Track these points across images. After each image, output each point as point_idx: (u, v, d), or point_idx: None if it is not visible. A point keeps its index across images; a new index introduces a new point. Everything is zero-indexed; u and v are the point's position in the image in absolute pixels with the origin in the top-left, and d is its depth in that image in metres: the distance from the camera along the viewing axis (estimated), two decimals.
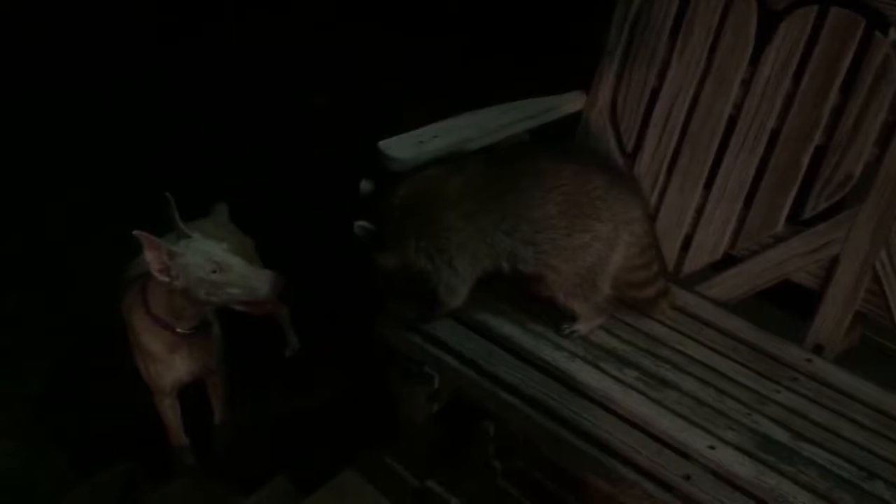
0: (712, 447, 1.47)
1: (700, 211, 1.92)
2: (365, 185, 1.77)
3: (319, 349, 2.62)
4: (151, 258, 1.78)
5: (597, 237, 1.66)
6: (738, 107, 1.87)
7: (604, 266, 1.68)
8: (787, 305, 1.88)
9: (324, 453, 2.19)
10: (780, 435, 1.51)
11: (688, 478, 1.42)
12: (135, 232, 1.75)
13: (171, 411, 2.13)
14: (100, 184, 3.43)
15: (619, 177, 1.80)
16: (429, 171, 1.74)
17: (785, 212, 1.82)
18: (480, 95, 2.01)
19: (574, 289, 1.69)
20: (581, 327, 1.72)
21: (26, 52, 4.27)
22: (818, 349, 1.75)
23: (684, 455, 1.47)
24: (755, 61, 1.85)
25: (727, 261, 1.90)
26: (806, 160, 1.79)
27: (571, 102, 2.05)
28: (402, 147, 1.77)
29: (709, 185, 1.91)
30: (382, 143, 1.77)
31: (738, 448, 1.47)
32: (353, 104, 3.79)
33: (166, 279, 1.80)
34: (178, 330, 1.93)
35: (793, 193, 1.81)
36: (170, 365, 2.00)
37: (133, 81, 4.10)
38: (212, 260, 1.80)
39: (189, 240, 1.83)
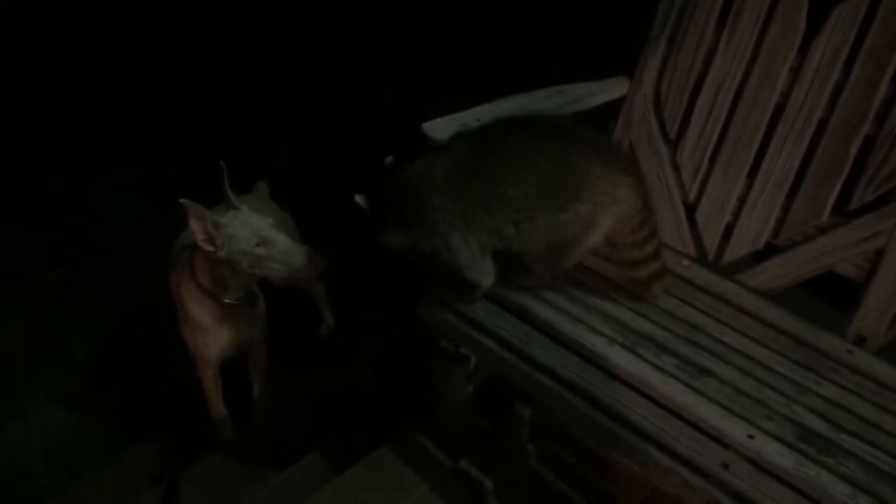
0: (751, 436, 1.46)
1: (743, 199, 1.91)
2: (389, 161, 1.75)
3: (357, 327, 2.65)
4: (196, 227, 1.82)
5: (576, 217, 1.63)
6: (786, 95, 1.85)
7: (577, 244, 1.67)
8: (829, 296, 1.86)
9: (358, 430, 2.22)
10: (820, 426, 1.50)
11: (726, 466, 1.42)
12: (181, 200, 1.78)
13: (213, 383, 2.17)
14: (141, 167, 3.51)
15: (605, 155, 1.69)
16: (426, 155, 1.73)
17: (831, 202, 1.80)
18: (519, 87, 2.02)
19: (543, 253, 1.68)
20: (527, 281, 1.74)
21: (83, 42, 4.34)
22: (860, 341, 1.74)
23: (722, 444, 1.46)
24: (804, 49, 1.83)
25: (769, 250, 1.88)
26: (854, 151, 1.77)
27: (615, 88, 2.05)
28: (445, 129, 1.78)
29: (753, 173, 1.89)
30: (426, 125, 1.78)
31: (777, 438, 1.47)
32: (392, 97, 3.80)
33: (210, 248, 1.84)
34: (225, 300, 1.97)
35: (839, 184, 1.79)
36: (216, 336, 2.04)
37: (178, 75, 4.16)
38: (257, 233, 1.83)
39: (236, 212, 1.86)
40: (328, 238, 2.30)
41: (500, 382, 1.78)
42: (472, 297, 1.75)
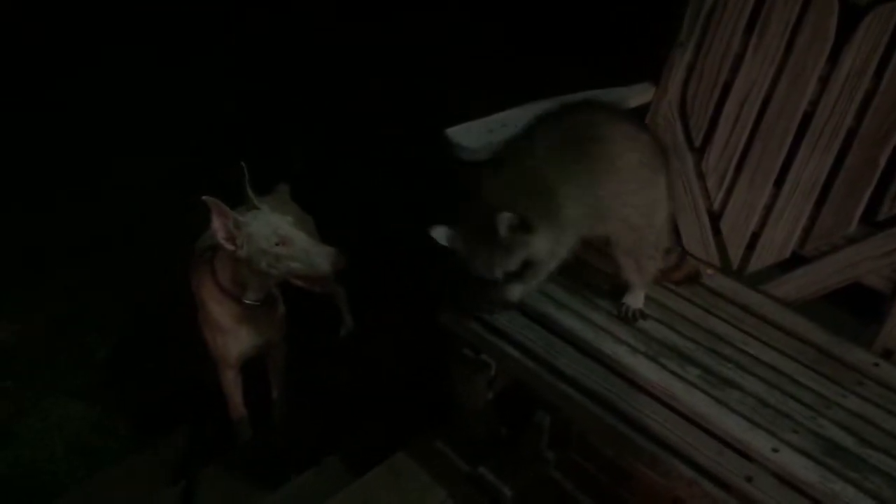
0: (776, 450, 1.45)
1: (769, 209, 1.88)
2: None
3: (377, 330, 2.65)
4: (219, 225, 1.83)
5: (663, 191, 1.67)
6: (814, 104, 1.83)
7: (665, 223, 1.70)
8: (850, 305, 1.84)
9: (376, 433, 2.22)
10: (846, 440, 1.49)
11: (749, 479, 1.41)
12: (204, 197, 1.79)
13: (233, 384, 2.18)
14: (155, 165, 3.53)
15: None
16: (507, 166, 1.59)
17: (858, 212, 1.78)
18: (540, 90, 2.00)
19: (643, 248, 1.68)
20: (636, 300, 1.73)
21: (83, 42, 4.36)
22: (887, 354, 1.71)
23: (746, 456, 1.45)
24: (834, 58, 1.80)
25: (795, 260, 1.86)
26: (883, 160, 1.75)
27: (640, 94, 2.03)
28: (470, 135, 1.77)
29: (779, 182, 1.87)
30: (451, 131, 1.77)
31: (802, 452, 1.45)
32: (410, 92, 3.81)
33: (231, 247, 1.85)
34: (246, 301, 1.98)
35: (867, 194, 1.77)
36: (237, 337, 2.05)
37: (180, 75, 4.17)
38: (277, 232, 1.84)
39: (257, 211, 1.87)
40: (338, 239, 2.30)
41: (521, 389, 1.77)
42: (501, 310, 1.73)
